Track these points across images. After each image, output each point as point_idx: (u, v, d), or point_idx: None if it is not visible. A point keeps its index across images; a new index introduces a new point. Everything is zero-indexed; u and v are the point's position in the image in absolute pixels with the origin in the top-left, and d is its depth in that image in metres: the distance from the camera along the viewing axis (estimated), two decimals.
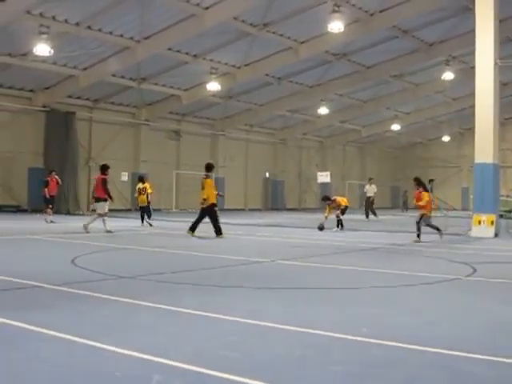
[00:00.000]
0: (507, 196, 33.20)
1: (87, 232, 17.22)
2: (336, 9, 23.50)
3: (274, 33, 28.06)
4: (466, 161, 48.47)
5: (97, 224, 17.80)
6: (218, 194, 17.53)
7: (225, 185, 39.24)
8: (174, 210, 36.52)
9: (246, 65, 31.80)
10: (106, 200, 17.99)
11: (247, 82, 34.00)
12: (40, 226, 20.30)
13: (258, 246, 14.64)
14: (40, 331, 5.18)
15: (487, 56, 18.22)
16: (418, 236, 15.82)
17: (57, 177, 23.98)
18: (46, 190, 23.06)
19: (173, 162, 38.85)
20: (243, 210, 42.28)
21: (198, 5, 24.30)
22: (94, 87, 31.44)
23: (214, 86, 31.48)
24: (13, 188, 31.22)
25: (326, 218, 20.30)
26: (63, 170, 30.01)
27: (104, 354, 4.55)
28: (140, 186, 22.95)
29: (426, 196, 16.15)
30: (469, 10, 23.73)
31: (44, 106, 31.52)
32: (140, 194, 22.65)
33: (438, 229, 16.39)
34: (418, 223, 15.99)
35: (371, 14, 26.82)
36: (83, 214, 30.48)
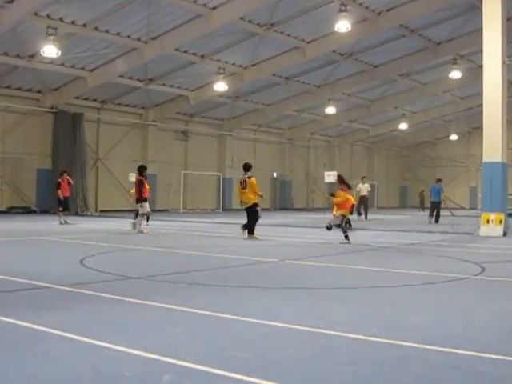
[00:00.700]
0: None
1: (141, 232, 17.56)
2: (343, 8, 23.48)
3: (281, 33, 28.06)
4: (474, 160, 48.36)
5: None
6: (259, 195, 17.42)
7: (233, 185, 39.27)
8: (181, 211, 36.55)
9: (253, 65, 31.81)
10: (144, 200, 18.08)
11: (254, 82, 34.00)
12: (49, 227, 20.36)
13: (267, 246, 14.62)
14: (50, 332, 5.18)
15: (495, 54, 18.14)
16: (347, 238, 15.05)
17: (68, 177, 23.97)
18: (59, 191, 23.01)
19: (180, 163, 38.91)
20: None
21: (205, 5, 24.31)
22: (102, 88, 31.53)
23: (221, 86, 31.50)
24: (21, 189, 31.32)
25: (334, 216, 20.29)
26: (71, 170, 30.07)
27: (114, 354, 4.55)
28: None
29: (341, 195, 15.63)
30: (476, 8, 23.65)
31: (52, 108, 31.62)
32: None
33: (345, 231, 15.38)
34: (340, 225, 15.43)
35: (378, 13, 26.77)
36: (91, 215, 30.58)
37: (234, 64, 31.63)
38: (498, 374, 4.21)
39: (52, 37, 23.73)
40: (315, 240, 16.49)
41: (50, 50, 24.02)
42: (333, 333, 5.30)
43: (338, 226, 15.58)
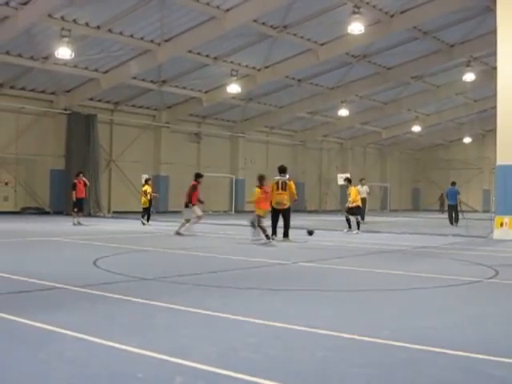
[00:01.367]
0: None
1: (194, 235, 17.67)
2: (356, 10, 23.45)
3: (294, 35, 28.05)
4: (488, 162, 48.09)
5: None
6: (295, 199, 17.62)
7: (245, 187, 39.34)
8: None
9: (266, 67, 31.82)
10: (194, 204, 18.23)
11: (267, 84, 34.00)
12: (62, 228, 20.45)
13: (279, 248, 14.62)
14: (63, 332, 5.21)
15: (509, 57, 18.04)
16: (267, 237, 15.09)
17: (84, 178, 23.98)
18: (74, 192, 23.04)
19: (193, 164, 38.90)
20: None
21: (218, 7, 24.35)
22: (115, 90, 31.66)
23: (234, 88, 31.53)
24: (35, 190, 31.48)
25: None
26: (84, 172, 30.12)
27: (126, 355, 4.57)
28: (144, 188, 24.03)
29: (257, 193, 15.65)
30: (490, 10, 23.54)
31: (65, 109, 31.75)
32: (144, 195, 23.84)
33: (264, 231, 15.35)
34: (253, 224, 15.44)
35: (391, 16, 26.71)
36: (104, 216, 30.68)
37: (247, 66, 31.65)
38: (511, 378, 4.20)
39: (66, 39, 23.84)
40: (328, 242, 16.47)
41: (63, 52, 24.13)
42: (344, 335, 5.30)
43: (252, 224, 15.63)
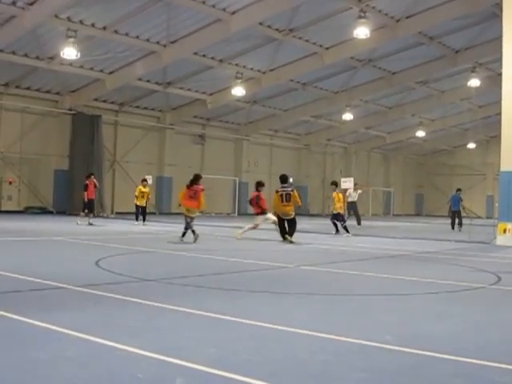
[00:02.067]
0: None
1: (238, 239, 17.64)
2: (362, 15, 23.47)
3: (299, 38, 28.09)
4: (492, 168, 48.11)
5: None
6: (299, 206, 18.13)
7: (248, 189, 39.30)
8: (197, 214, 36.51)
9: (271, 70, 31.85)
10: (260, 214, 18.14)
11: (272, 87, 34.05)
12: (65, 228, 20.46)
13: (282, 251, 14.62)
14: (64, 332, 5.21)
15: None
16: (193, 232, 15.86)
17: (95, 180, 24.05)
18: (86, 193, 23.08)
19: (197, 166, 38.87)
20: None
21: (224, 10, 24.39)
22: (120, 91, 31.72)
23: (239, 91, 31.56)
24: (38, 190, 31.54)
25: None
26: (88, 172, 30.20)
27: (127, 355, 4.56)
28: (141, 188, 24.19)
29: (182, 193, 16.32)
30: (495, 16, 23.54)
31: (70, 109, 31.83)
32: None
33: (183, 234, 16.05)
34: (188, 225, 16.06)
35: (397, 20, 26.72)
36: (107, 217, 30.69)
37: (252, 69, 31.68)
38: None
39: (72, 39, 23.91)
40: (330, 246, 16.46)
41: (69, 52, 24.20)
42: (346, 339, 5.28)
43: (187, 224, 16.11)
